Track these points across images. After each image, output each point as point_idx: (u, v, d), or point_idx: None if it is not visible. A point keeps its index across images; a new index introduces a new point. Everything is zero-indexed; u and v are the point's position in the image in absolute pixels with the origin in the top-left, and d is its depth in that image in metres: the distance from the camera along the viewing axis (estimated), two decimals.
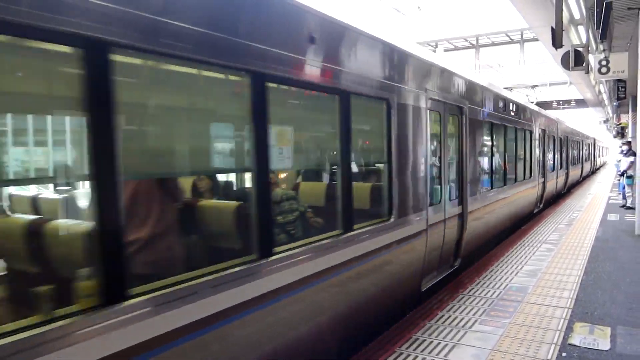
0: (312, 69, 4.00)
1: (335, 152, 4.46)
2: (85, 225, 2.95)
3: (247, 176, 4.25)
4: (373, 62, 4.92)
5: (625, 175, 14.78)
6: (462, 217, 7.36)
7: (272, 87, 3.54)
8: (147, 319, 2.60)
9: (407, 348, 4.65)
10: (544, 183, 14.72)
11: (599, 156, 46.43)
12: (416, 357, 4.46)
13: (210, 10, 3.08)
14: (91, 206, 2.45)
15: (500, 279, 6.99)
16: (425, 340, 4.84)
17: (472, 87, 7.92)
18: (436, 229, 6.37)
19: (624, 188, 15.30)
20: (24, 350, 2.10)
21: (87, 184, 2.51)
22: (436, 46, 35.79)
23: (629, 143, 15.80)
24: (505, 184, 10.14)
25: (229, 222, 3.86)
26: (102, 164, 2.43)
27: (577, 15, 12.39)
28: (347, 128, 4.39)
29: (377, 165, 5.73)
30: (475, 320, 5.35)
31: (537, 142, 13.47)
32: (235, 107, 3.61)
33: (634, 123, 16.26)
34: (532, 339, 4.83)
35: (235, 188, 5.66)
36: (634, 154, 12.66)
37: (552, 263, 7.92)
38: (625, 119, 27.45)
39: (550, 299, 6.05)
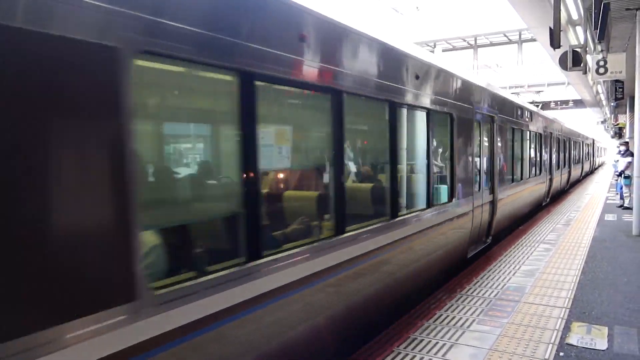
0: (428, 99, 6.24)
1: (428, 154, 6.37)
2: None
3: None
4: (446, 88, 6.90)
5: (622, 175, 14.82)
6: (493, 203, 9.21)
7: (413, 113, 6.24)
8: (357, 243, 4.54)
9: (405, 347, 4.66)
10: (550, 179, 16.55)
11: (598, 156, 49.33)
12: (414, 356, 4.47)
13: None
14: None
15: (498, 279, 7.00)
16: (423, 339, 4.85)
17: (500, 100, 9.96)
18: (477, 211, 8.20)
19: (621, 188, 15.34)
20: (310, 253, 3.88)
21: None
22: (434, 46, 35.81)
23: (626, 143, 15.84)
24: (522, 179, 12.12)
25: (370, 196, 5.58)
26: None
27: (575, 16, 12.41)
28: (432, 137, 6.43)
29: (444, 161, 7.34)
30: (474, 320, 5.36)
31: (545, 143, 15.44)
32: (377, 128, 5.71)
33: (632, 123, 16.26)
34: (530, 338, 4.84)
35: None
36: (632, 155, 12.68)
37: (550, 263, 7.94)
38: (623, 119, 27.51)
39: (548, 299, 6.06)
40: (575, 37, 13.76)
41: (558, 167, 18.44)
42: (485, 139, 9.00)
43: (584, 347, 4.63)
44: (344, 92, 4.33)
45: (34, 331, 2.08)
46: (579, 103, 37.17)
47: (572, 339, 4.82)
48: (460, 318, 5.43)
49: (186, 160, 4.00)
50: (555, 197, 18.43)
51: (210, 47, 3.00)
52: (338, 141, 4.31)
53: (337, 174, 4.35)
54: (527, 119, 12.68)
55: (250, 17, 3.36)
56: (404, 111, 5.91)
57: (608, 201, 17.10)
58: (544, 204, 15.96)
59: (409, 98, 5.65)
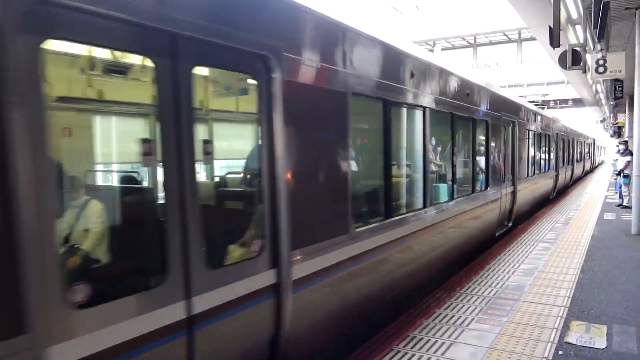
0: (477, 111, 8.50)
1: (473, 153, 8.55)
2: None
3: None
4: (487, 101, 9.02)
5: (622, 174, 14.84)
6: (514, 193, 11.14)
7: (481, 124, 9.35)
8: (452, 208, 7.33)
9: (404, 346, 4.67)
10: (557, 175, 18.33)
11: (598, 155, 52.59)
12: (413, 355, 4.48)
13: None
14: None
15: (497, 278, 7.02)
16: (422, 338, 4.86)
17: (518, 107, 11.96)
18: (503, 198, 10.15)
19: (620, 187, 15.36)
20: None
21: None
22: (434, 45, 35.82)
23: (625, 142, 15.85)
24: (534, 174, 14.05)
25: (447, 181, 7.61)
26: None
27: (574, 15, 12.41)
28: (476, 140, 8.62)
29: (482, 157, 9.09)
30: (473, 319, 5.37)
31: (553, 143, 17.47)
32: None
33: (631, 123, 16.29)
34: (529, 337, 4.85)
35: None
36: (631, 154, 12.70)
37: (549, 262, 7.95)
38: (622, 118, 27.54)
39: (547, 298, 6.07)
40: (575, 36, 13.77)
41: (563, 165, 20.26)
42: (509, 140, 10.93)
43: (582, 346, 4.65)
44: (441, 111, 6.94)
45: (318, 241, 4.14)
46: (578, 102, 37.21)
47: (571, 338, 4.83)
48: (460, 317, 5.44)
49: (365, 158, 5.75)
50: (561, 191, 20.30)
51: (375, 87, 5.11)
52: (425, 145, 6.42)
53: (438, 166, 7.42)
54: (539, 122, 14.64)
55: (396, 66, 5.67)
56: (465, 122, 8.16)
57: (607, 200, 17.12)
58: (551, 197, 17.78)
59: (465, 112, 7.86)
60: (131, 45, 2.86)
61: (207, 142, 3.65)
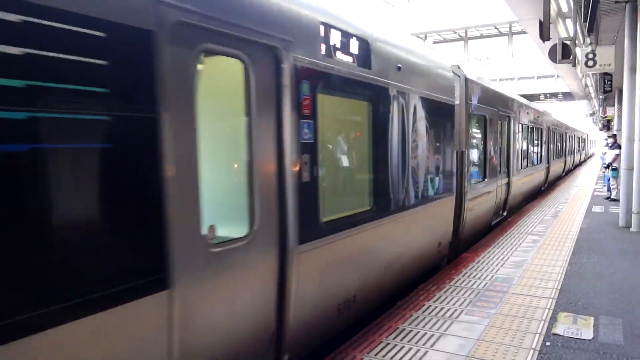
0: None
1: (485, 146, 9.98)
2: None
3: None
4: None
5: (610, 167, 14.97)
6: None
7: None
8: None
9: (393, 338, 4.69)
10: (548, 168, 19.10)
11: (589, 148, 57.36)
12: (402, 347, 4.50)
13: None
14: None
15: (486, 270, 7.06)
16: (411, 330, 4.88)
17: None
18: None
19: (609, 180, 15.50)
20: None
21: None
22: (425, 38, 35.79)
23: (614, 136, 15.98)
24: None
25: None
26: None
27: (565, 9, 12.45)
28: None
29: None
30: (462, 311, 5.40)
31: (546, 137, 18.31)
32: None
33: (620, 116, 16.44)
34: (517, 328, 4.89)
35: None
36: (619, 147, 12.81)
37: (537, 254, 8.01)
38: (611, 112, 27.75)
39: (535, 290, 6.12)
40: (565, 29, 13.82)
41: (555, 158, 21.45)
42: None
43: (570, 337, 4.69)
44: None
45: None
46: (568, 95, 37.42)
47: (559, 329, 4.87)
48: (449, 309, 5.47)
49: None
50: (554, 182, 21.92)
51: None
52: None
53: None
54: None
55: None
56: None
57: (596, 193, 17.28)
58: (543, 188, 18.84)
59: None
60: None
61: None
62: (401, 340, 4.65)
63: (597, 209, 13.39)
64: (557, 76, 32.26)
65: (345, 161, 5.11)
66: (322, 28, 4.12)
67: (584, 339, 4.65)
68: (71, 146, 2.27)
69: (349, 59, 4.55)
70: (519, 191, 13.19)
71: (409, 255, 6.03)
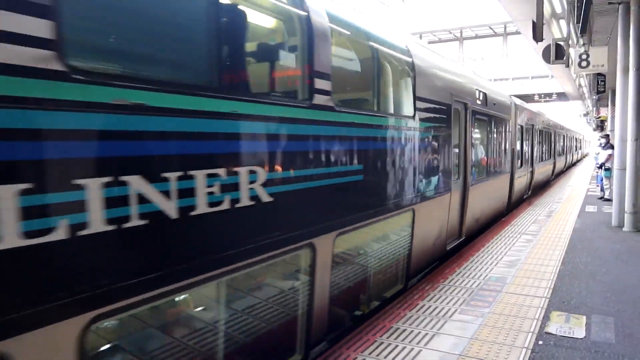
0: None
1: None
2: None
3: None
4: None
5: (603, 167, 15.06)
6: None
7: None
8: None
9: (387, 337, 4.71)
10: (554, 163, 23.52)
11: (586, 147, 63.27)
12: (396, 346, 4.52)
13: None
14: None
15: (480, 269, 7.10)
16: (405, 329, 4.90)
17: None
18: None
19: (602, 180, 15.60)
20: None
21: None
22: (420, 38, 35.83)
23: (607, 136, 16.07)
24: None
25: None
26: None
27: (559, 9, 12.52)
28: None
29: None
30: (456, 310, 5.43)
31: (555, 138, 23.33)
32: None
33: (613, 116, 16.57)
34: (511, 327, 4.92)
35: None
36: (612, 147, 12.89)
37: (531, 254, 8.06)
38: (605, 112, 27.91)
39: (528, 289, 6.16)
40: (559, 30, 13.90)
41: (559, 155, 26.44)
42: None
43: (562, 336, 4.73)
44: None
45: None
46: (562, 96, 37.61)
47: (551, 328, 4.91)
48: (443, 308, 5.50)
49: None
50: (559, 174, 26.99)
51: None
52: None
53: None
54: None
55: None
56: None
57: (589, 193, 17.38)
58: (550, 180, 23.15)
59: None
60: None
61: None
62: (395, 339, 4.67)
63: (590, 208, 13.47)
64: (552, 77, 32.42)
65: (481, 151, 10.11)
66: (477, 93, 9.19)
67: (576, 338, 4.68)
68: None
69: (483, 102, 9.62)
70: (538, 177, 17.99)
71: (496, 202, 11.44)
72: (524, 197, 15.38)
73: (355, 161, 4.77)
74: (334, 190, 4.43)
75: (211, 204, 3.06)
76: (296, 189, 3.91)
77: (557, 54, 10.76)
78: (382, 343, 4.59)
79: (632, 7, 9.69)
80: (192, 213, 2.93)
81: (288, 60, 4.34)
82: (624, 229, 10.14)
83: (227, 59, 3.54)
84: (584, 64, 11.67)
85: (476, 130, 9.39)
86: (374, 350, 4.43)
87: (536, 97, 37.80)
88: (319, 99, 4.18)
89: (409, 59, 6.21)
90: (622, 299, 5.80)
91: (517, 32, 27.56)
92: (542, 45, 11.75)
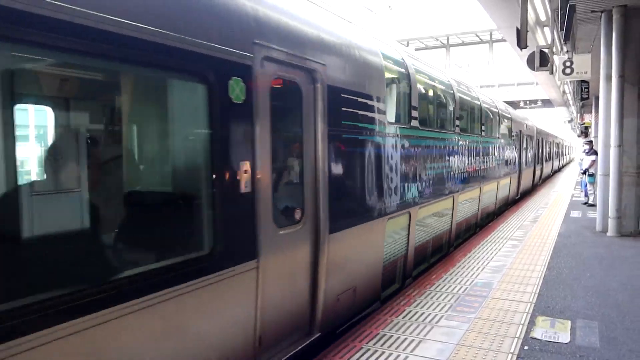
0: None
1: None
2: None
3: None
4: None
5: (587, 173, 15.24)
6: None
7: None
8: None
9: (374, 344, 4.69)
10: (552, 164, 29.49)
11: (573, 153, 68.56)
12: (382, 352, 4.51)
13: None
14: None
15: (466, 275, 7.12)
16: (392, 336, 4.89)
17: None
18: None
19: (586, 186, 15.79)
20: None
21: None
22: (407, 45, 36.09)
23: (590, 142, 16.29)
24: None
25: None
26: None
27: (543, 17, 12.69)
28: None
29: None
30: (442, 316, 5.43)
31: (548, 146, 27.32)
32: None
33: (597, 123, 16.84)
34: (496, 333, 4.93)
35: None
36: (596, 153, 13.06)
37: (517, 259, 8.11)
38: (589, 118, 28.30)
39: (514, 294, 6.19)
40: (543, 37, 14.08)
41: (555, 158, 33.25)
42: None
43: (547, 341, 4.75)
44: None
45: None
46: (547, 102, 38.08)
47: (537, 333, 4.93)
48: (429, 314, 5.50)
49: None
50: (549, 176, 30.81)
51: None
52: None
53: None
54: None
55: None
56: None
57: (574, 198, 17.57)
58: (550, 175, 29.79)
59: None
60: None
61: None
62: (381, 345, 4.66)
63: (575, 214, 13.61)
64: (537, 83, 32.81)
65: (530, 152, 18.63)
66: (525, 125, 17.86)
67: (561, 343, 4.71)
68: None
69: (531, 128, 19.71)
70: (543, 173, 24.49)
71: (530, 175, 19.53)
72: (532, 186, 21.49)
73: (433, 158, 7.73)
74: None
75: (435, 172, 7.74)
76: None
77: (541, 61, 10.91)
78: (368, 350, 4.57)
79: (615, 15, 9.86)
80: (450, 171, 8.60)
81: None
82: (607, 234, 10.26)
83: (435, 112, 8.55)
84: (567, 71, 11.83)
85: (525, 143, 17.80)
86: (360, 357, 4.40)
87: (522, 104, 38.20)
88: (412, 123, 6.88)
89: (495, 109, 12.16)
90: (606, 303, 5.85)
91: (503, 40, 27.90)
92: (526, 52, 11.89)
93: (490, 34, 36.87)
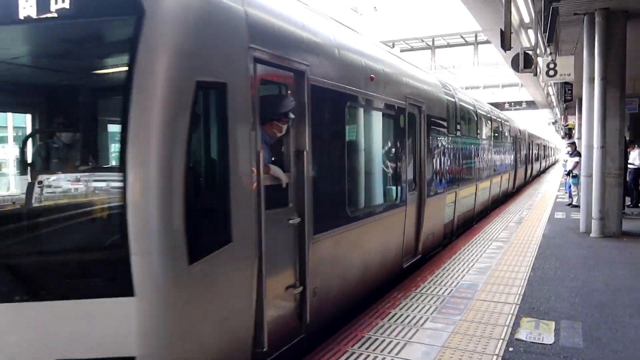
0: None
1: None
2: None
3: None
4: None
5: (571, 174, 15.39)
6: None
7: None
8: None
9: (359, 347, 4.66)
10: (540, 163, 33.02)
11: (558, 154, 72.39)
12: (368, 355, 4.47)
13: None
14: None
15: (451, 277, 7.12)
16: (377, 338, 4.86)
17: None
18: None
19: (570, 187, 15.94)
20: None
21: None
22: (393, 46, 36.18)
23: (573, 144, 16.45)
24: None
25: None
26: None
27: (527, 19, 12.76)
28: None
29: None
30: (427, 318, 5.42)
31: (536, 148, 30.15)
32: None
33: (580, 125, 17.02)
34: (481, 334, 4.93)
35: None
36: (579, 155, 13.18)
37: (501, 260, 8.14)
38: (573, 120, 28.63)
39: (499, 296, 6.20)
40: (527, 39, 14.16)
41: (543, 158, 37.97)
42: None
43: (532, 342, 4.76)
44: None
45: None
46: (531, 104, 38.41)
47: (521, 334, 4.94)
48: (415, 316, 5.48)
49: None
50: (539, 173, 35.18)
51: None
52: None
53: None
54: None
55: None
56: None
57: (558, 199, 17.74)
58: (540, 172, 34.07)
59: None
60: None
61: None
62: (367, 349, 4.63)
63: (559, 215, 13.73)
64: (521, 85, 33.12)
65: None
66: (528, 134, 24.99)
67: (546, 344, 4.72)
68: None
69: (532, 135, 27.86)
70: (533, 171, 28.29)
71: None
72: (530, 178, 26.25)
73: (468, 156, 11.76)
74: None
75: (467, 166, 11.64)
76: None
77: (525, 62, 10.93)
78: (353, 353, 4.53)
79: (597, 18, 9.96)
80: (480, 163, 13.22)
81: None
82: (591, 234, 10.35)
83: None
84: (551, 72, 11.89)
85: (520, 145, 21.42)
86: None
87: (506, 106, 38.52)
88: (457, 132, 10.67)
89: (500, 119, 15.34)
90: (589, 304, 5.89)
91: (488, 42, 28.12)
92: (511, 54, 11.94)
93: (476, 36, 37.09)
